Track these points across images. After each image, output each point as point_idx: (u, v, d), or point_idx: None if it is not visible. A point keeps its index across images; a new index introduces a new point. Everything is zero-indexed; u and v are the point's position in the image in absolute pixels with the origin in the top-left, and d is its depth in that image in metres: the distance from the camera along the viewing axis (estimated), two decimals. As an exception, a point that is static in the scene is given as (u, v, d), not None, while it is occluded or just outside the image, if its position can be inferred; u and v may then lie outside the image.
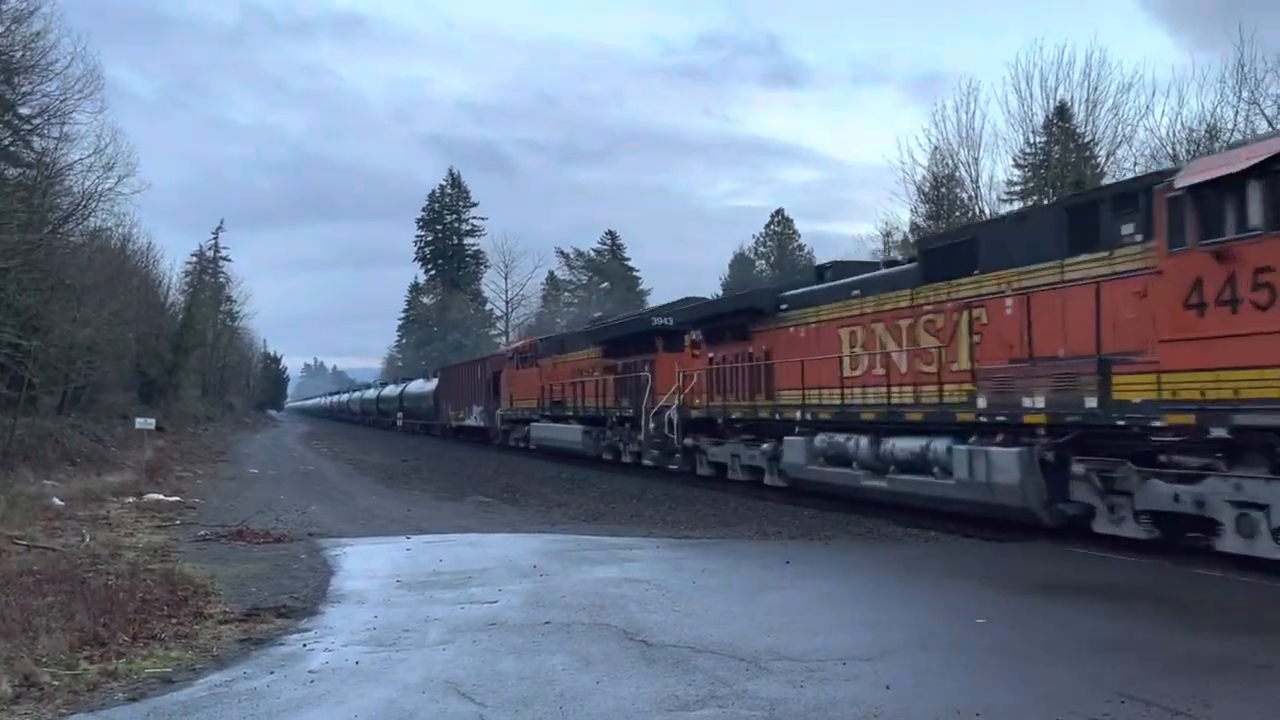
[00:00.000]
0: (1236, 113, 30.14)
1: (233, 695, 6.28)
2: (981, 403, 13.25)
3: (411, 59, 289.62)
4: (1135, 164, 33.37)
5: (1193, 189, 10.17)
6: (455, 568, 11.01)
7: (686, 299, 27.11)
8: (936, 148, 39.09)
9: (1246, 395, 9.59)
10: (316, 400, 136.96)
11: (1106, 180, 30.35)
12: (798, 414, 17.63)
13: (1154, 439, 10.75)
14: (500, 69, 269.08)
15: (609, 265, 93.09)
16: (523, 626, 8.02)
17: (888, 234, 43.59)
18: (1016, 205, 40.67)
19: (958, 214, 39.11)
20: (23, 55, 24.82)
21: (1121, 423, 11.02)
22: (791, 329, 18.33)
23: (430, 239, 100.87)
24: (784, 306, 18.67)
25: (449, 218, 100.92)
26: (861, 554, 12.41)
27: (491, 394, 41.16)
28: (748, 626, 7.87)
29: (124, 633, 7.73)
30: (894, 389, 15.27)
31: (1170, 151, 32.09)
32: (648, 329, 25.08)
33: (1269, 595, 9.07)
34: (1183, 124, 32.78)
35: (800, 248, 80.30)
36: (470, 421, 46.03)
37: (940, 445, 13.86)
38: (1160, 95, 54.89)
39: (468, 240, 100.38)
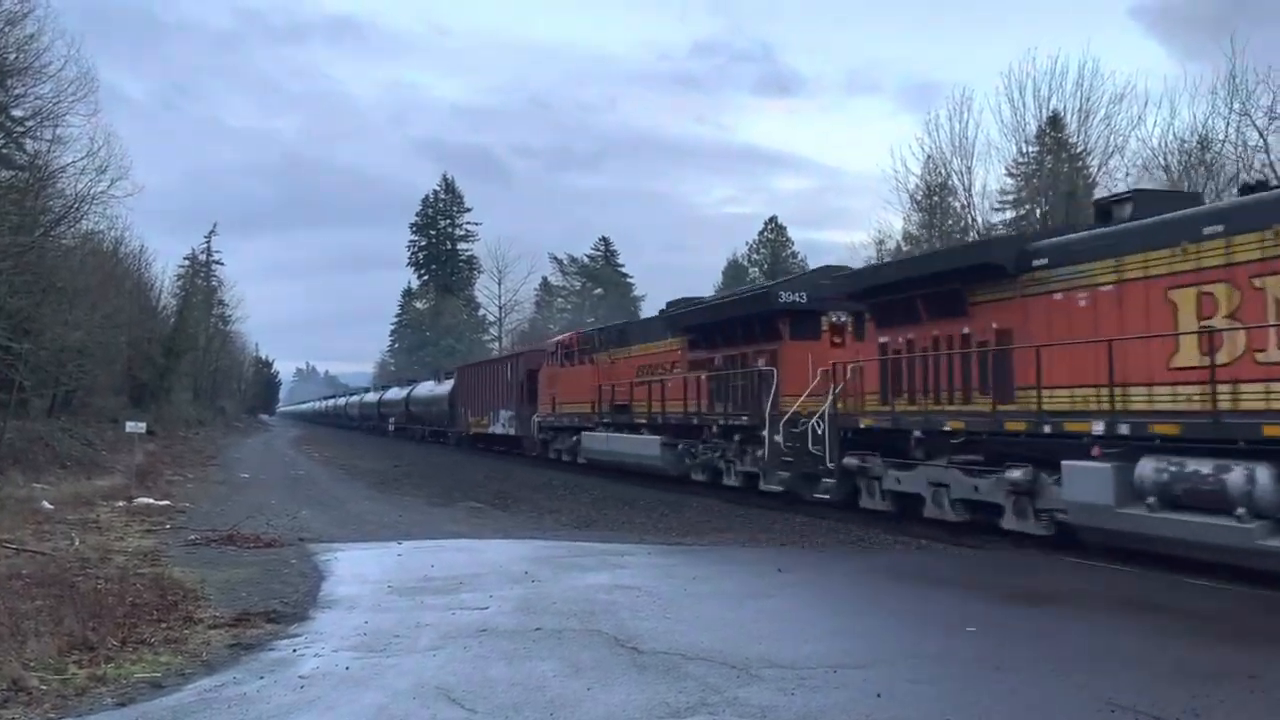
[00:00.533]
0: (1228, 124, 30.46)
1: (222, 700, 6.26)
2: None
3: (405, 63, 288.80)
4: (1126, 174, 33.60)
5: None
6: (446, 573, 10.99)
7: (824, 268, 21.28)
8: (930, 156, 39.30)
9: None
10: (310, 404, 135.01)
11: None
12: (1094, 425, 11.45)
13: None
14: (494, 74, 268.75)
15: (603, 271, 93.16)
16: (514, 632, 8.02)
17: (881, 242, 43.78)
18: (1009, 215, 40.94)
19: (950, 223, 39.29)
20: (16, 57, 24.85)
21: None
22: (1058, 295, 12.65)
23: (424, 244, 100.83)
24: (1042, 262, 12.95)
25: (442, 222, 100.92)
26: (852, 561, 12.41)
27: (525, 397, 34.68)
28: (738, 634, 7.88)
29: (113, 637, 7.70)
30: None
31: (1162, 162, 32.34)
32: (767, 309, 19.26)
33: (1257, 604, 9.11)
34: (1175, 135, 33.12)
35: (793, 255, 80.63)
36: (497, 429, 38.76)
37: None
38: (1152, 106, 54.94)
39: (461, 245, 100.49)
